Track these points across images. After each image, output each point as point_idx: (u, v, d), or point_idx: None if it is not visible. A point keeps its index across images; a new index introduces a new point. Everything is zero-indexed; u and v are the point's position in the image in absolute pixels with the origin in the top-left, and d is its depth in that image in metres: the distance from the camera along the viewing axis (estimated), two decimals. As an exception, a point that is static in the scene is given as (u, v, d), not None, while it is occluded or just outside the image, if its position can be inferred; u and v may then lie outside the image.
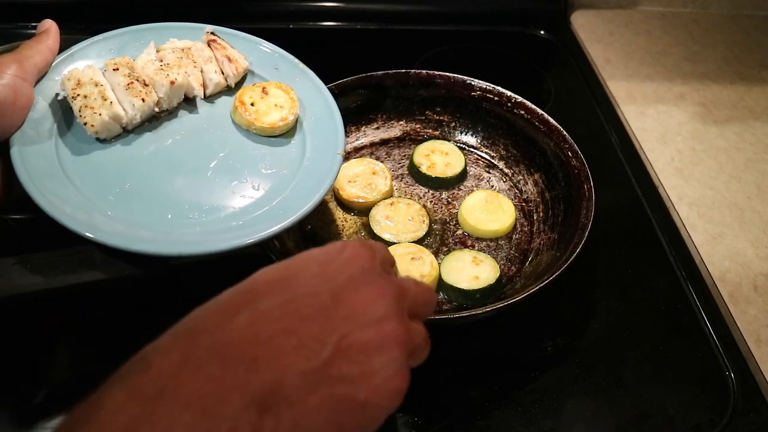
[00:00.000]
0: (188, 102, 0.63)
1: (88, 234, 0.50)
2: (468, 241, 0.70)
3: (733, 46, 1.05)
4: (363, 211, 0.72)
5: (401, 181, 0.77)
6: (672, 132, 0.87)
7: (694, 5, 1.12)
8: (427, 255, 0.65)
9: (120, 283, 0.55)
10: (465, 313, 0.58)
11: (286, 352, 0.32)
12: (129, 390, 0.30)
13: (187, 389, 0.30)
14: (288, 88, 0.64)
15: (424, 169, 0.76)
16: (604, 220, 0.67)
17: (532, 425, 0.56)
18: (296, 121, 0.63)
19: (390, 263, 0.41)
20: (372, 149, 0.81)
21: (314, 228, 0.71)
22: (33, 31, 0.93)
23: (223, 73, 0.64)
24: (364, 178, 0.73)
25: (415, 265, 0.64)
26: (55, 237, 0.57)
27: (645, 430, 0.56)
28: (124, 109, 0.58)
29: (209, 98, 0.64)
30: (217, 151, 0.60)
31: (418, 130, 0.82)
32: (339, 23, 1.05)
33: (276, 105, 0.63)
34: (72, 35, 0.64)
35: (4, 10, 0.95)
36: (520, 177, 0.77)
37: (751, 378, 0.60)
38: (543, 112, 0.74)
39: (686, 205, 0.77)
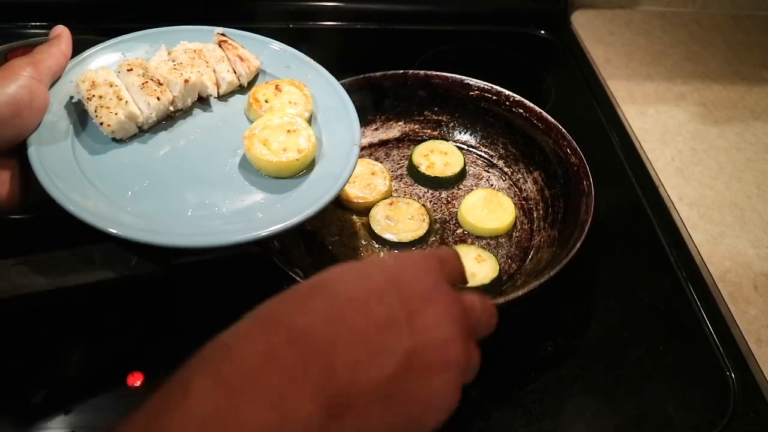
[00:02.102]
0: (202, 101, 0.64)
1: (110, 229, 0.50)
2: (468, 239, 0.70)
3: (734, 45, 1.05)
4: (363, 211, 0.72)
5: (401, 181, 0.77)
6: (672, 132, 0.87)
7: (695, 5, 1.12)
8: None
9: (120, 283, 0.55)
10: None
11: (361, 364, 0.33)
12: (214, 377, 0.30)
13: (270, 383, 0.30)
14: (301, 85, 0.65)
15: (423, 168, 0.76)
16: (604, 220, 0.67)
17: (532, 425, 0.56)
18: (311, 117, 0.64)
19: (460, 274, 0.42)
20: (371, 150, 0.81)
21: (314, 228, 0.71)
22: (33, 31, 0.95)
23: (235, 72, 0.64)
24: (363, 179, 0.73)
25: None
26: (55, 237, 0.57)
27: (645, 430, 0.56)
28: (139, 108, 0.58)
29: (222, 97, 0.65)
30: (233, 148, 0.60)
31: (417, 130, 0.82)
32: (339, 23, 1.05)
33: (290, 102, 0.63)
34: (73, 35, 0.64)
35: (4, 10, 0.95)
36: (520, 175, 0.77)
37: (751, 378, 0.60)
38: (541, 111, 0.74)
39: (686, 205, 0.76)
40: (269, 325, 0.33)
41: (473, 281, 0.63)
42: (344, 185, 0.57)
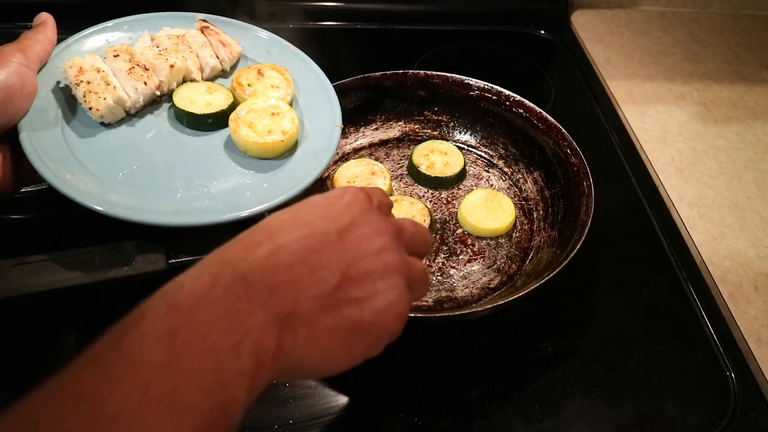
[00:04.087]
0: None
1: (98, 207, 0.51)
2: (468, 239, 0.70)
3: (734, 45, 1.05)
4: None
5: (401, 181, 0.77)
6: (672, 132, 0.87)
7: (695, 5, 1.12)
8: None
9: (120, 283, 0.55)
10: (466, 311, 0.58)
11: (302, 280, 0.35)
12: (167, 304, 0.33)
13: (219, 305, 0.33)
14: (282, 69, 0.66)
15: (423, 168, 0.76)
16: (604, 220, 0.67)
17: (532, 425, 0.56)
18: (292, 101, 0.65)
19: (388, 206, 0.46)
20: (371, 150, 0.81)
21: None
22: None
23: (218, 57, 0.66)
24: (363, 179, 0.73)
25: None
26: (55, 237, 0.57)
27: (645, 430, 0.56)
28: (126, 93, 0.59)
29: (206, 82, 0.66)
30: (218, 130, 0.62)
31: (417, 130, 0.82)
32: (339, 23, 1.05)
33: (272, 86, 0.64)
34: (70, 34, 0.65)
35: (4, 10, 0.95)
36: (520, 175, 0.77)
37: (751, 378, 0.60)
38: (541, 111, 0.74)
39: (686, 205, 0.76)
40: (218, 265, 0.35)
41: (209, 109, 0.62)
42: (327, 164, 0.60)
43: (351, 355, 0.38)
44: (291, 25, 1.02)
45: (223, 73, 0.67)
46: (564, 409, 0.57)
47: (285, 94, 0.64)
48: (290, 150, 0.61)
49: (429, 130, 0.82)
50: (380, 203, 0.44)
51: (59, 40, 0.61)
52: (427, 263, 0.68)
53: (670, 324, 0.64)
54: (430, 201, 0.75)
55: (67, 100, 0.59)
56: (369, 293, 0.38)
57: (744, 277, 0.68)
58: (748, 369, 0.61)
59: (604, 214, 0.67)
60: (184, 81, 0.64)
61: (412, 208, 0.71)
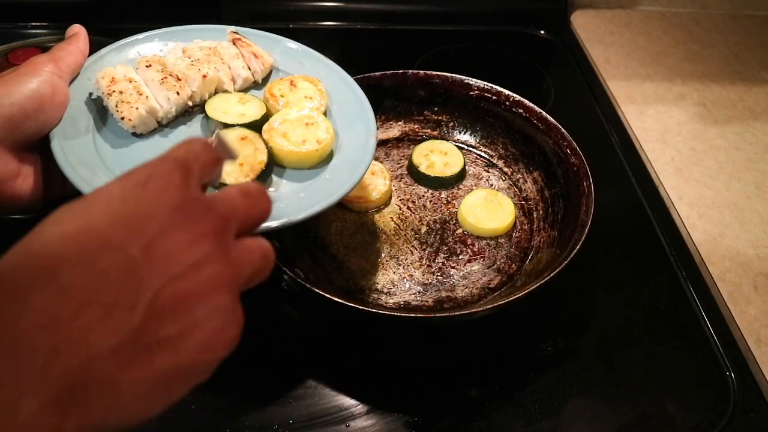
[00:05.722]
0: None
1: None
2: (468, 239, 0.70)
3: (733, 46, 1.05)
4: (362, 211, 0.72)
5: (401, 181, 0.77)
6: (672, 132, 0.87)
7: (694, 5, 1.12)
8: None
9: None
10: (465, 311, 0.58)
11: (93, 331, 0.27)
12: None
13: None
14: (315, 80, 0.66)
15: (422, 168, 0.76)
16: (604, 220, 0.67)
17: (532, 425, 0.56)
18: (326, 111, 0.65)
19: (210, 169, 0.37)
20: (372, 149, 0.81)
21: (314, 228, 0.71)
22: (33, 31, 0.95)
23: (250, 68, 0.65)
24: (363, 178, 0.73)
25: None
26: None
27: (645, 430, 0.56)
28: (159, 104, 0.59)
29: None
30: None
31: (417, 130, 0.82)
32: (339, 23, 1.05)
33: (305, 96, 0.64)
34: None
35: (4, 10, 0.95)
36: (520, 175, 0.77)
37: (751, 378, 0.60)
38: (541, 111, 0.74)
39: (686, 205, 0.76)
40: None
41: (242, 120, 0.61)
42: (365, 173, 0.59)
43: (171, 400, 0.30)
44: (291, 26, 1.02)
45: (255, 85, 0.66)
46: (564, 409, 0.57)
47: (319, 105, 0.63)
48: (325, 160, 0.61)
49: (429, 130, 0.82)
50: (202, 171, 0.35)
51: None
52: (428, 263, 0.68)
53: (670, 324, 0.65)
54: (430, 201, 0.75)
55: (99, 111, 0.59)
56: (186, 326, 0.30)
57: (743, 277, 0.68)
58: (747, 369, 0.61)
59: (604, 214, 0.67)
60: (216, 92, 0.64)
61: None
